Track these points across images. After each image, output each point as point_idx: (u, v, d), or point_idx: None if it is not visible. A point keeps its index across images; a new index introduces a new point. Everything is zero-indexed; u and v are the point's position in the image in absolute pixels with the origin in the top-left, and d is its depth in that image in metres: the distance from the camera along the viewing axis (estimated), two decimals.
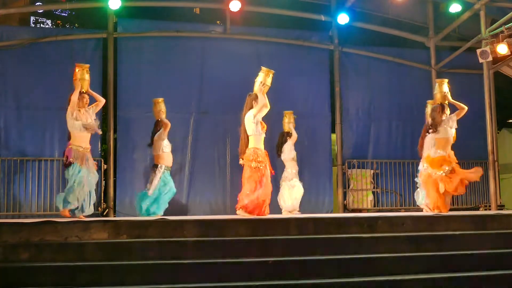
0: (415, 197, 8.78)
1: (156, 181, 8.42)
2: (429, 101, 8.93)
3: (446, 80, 8.15)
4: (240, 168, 9.57)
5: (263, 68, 7.32)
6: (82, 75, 7.13)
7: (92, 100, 7.36)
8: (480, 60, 9.48)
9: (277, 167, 10.06)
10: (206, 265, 4.79)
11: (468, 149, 11.39)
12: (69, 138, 7.13)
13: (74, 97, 7.03)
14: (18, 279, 4.51)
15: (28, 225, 5.10)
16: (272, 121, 10.05)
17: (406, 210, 10.77)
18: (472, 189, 11.43)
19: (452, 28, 11.17)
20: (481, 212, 9.88)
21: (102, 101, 7.41)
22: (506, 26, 9.27)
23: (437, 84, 8.16)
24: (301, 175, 9.79)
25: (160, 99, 8.76)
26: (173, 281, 4.57)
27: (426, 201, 8.01)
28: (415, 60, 11.62)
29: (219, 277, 4.65)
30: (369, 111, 11.35)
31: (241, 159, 7.23)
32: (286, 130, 9.69)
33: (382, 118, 11.40)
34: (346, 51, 11.33)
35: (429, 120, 8.11)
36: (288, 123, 9.68)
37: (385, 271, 4.90)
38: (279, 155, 9.61)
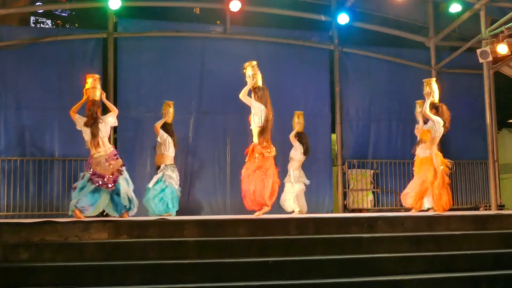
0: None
1: None
2: (418, 101, 8.95)
3: (432, 79, 8.17)
4: (241, 167, 9.62)
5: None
6: (93, 84, 7.09)
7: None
8: (480, 60, 9.48)
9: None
10: (206, 265, 4.79)
11: (468, 149, 11.44)
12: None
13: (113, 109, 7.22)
14: (18, 279, 4.51)
15: (28, 225, 5.10)
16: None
17: (406, 210, 10.75)
18: (472, 189, 11.45)
19: (452, 28, 11.17)
20: (481, 212, 9.89)
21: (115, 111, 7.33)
22: (506, 26, 9.27)
23: (429, 83, 8.03)
24: None
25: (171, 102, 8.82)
26: (173, 281, 4.57)
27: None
28: (415, 60, 11.62)
29: (219, 277, 4.65)
30: (369, 111, 11.36)
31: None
32: (300, 130, 9.64)
33: (382, 118, 11.40)
34: (346, 51, 11.33)
35: (440, 119, 7.97)
36: (297, 123, 9.64)
37: (385, 271, 4.89)
38: (307, 155, 9.59)
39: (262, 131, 7.06)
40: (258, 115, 7.10)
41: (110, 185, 6.82)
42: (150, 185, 8.55)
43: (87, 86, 7.10)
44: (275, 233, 5.46)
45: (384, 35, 12.10)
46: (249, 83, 7.19)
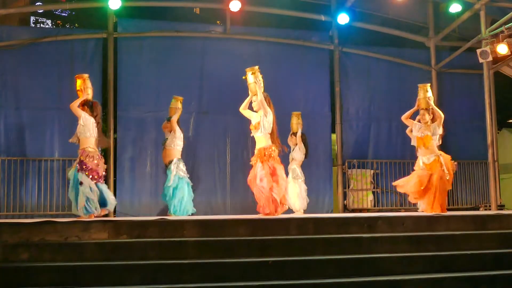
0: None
1: None
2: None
3: (428, 85, 8.07)
4: (241, 167, 9.64)
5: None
6: (89, 84, 7.29)
7: None
8: (480, 60, 9.48)
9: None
10: (206, 265, 4.79)
11: (468, 149, 11.44)
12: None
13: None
14: (18, 279, 4.51)
15: (28, 225, 5.11)
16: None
17: (406, 210, 10.76)
18: (472, 189, 11.46)
19: (452, 28, 11.17)
20: (481, 212, 9.89)
21: None
22: (506, 26, 9.28)
23: (425, 89, 7.94)
24: None
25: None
26: (173, 281, 4.57)
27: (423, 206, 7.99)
28: (415, 60, 11.61)
29: (219, 277, 4.65)
30: (369, 111, 11.35)
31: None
32: (295, 131, 9.64)
33: (382, 118, 11.39)
34: (346, 51, 11.32)
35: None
36: (297, 123, 9.64)
37: (385, 271, 4.90)
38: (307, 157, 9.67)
39: (274, 135, 7.24)
40: (270, 120, 7.19)
41: (101, 180, 7.23)
42: (171, 184, 8.39)
43: (83, 86, 7.21)
44: (275, 233, 5.47)
45: (384, 35, 12.10)
46: (259, 88, 7.21)
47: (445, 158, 7.79)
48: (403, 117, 8.14)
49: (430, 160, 7.73)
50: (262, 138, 7.17)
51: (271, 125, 7.18)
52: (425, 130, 7.81)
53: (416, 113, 8.13)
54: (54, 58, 9.79)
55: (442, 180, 7.63)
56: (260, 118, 7.16)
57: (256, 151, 7.22)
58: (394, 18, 11.59)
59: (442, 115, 7.89)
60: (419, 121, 7.97)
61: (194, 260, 4.88)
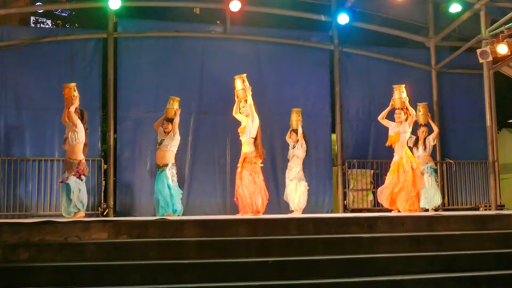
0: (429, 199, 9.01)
1: None
2: (420, 104, 9.38)
3: (403, 86, 8.28)
4: None
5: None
6: (76, 93, 7.46)
7: None
8: (480, 60, 9.49)
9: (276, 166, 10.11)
10: (206, 265, 4.79)
11: (468, 149, 11.45)
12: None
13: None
14: (18, 279, 4.51)
15: (28, 225, 5.10)
16: (272, 120, 10.09)
17: None
18: (472, 189, 11.46)
19: (452, 28, 11.17)
20: (481, 212, 9.89)
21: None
22: (506, 26, 9.28)
23: (396, 89, 8.23)
24: None
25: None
26: (173, 281, 4.57)
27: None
28: (415, 60, 11.62)
29: (219, 277, 4.65)
30: (369, 111, 11.33)
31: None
32: (296, 128, 9.60)
33: None
34: (346, 51, 11.32)
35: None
36: (297, 120, 9.59)
37: (385, 271, 4.90)
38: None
39: (257, 141, 7.63)
40: (256, 126, 7.59)
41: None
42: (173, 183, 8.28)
43: (72, 94, 7.38)
44: (275, 233, 5.47)
45: (384, 35, 12.10)
46: (250, 94, 7.54)
47: (407, 158, 7.99)
48: (379, 117, 8.49)
49: (396, 158, 8.11)
50: (245, 143, 7.57)
51: (256, 131, 7.56)
52: (395, 128, 8.16)
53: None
54: (54, 58, 9.80)
55: (407, 181, 7.88)
56: (246, 123, 7.56)
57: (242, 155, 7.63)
58: (394, 18, 11.59)
59: (414, 113, 8.25)
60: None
61: (194, 260, 4.88)
